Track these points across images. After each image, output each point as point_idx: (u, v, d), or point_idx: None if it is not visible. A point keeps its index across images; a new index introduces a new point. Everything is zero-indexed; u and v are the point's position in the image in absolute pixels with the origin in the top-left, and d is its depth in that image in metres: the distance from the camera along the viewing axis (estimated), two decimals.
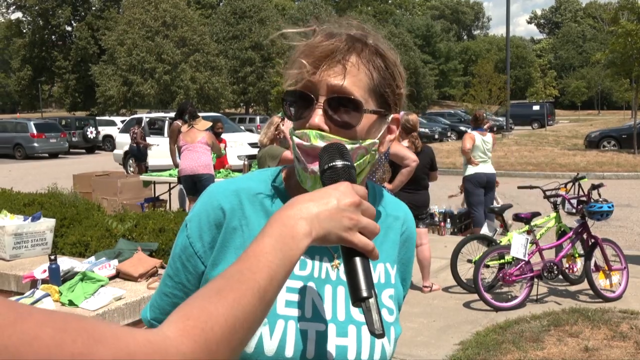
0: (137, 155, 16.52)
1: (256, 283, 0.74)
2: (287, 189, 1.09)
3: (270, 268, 0.76)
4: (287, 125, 5.37)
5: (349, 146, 0.98)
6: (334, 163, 0.91)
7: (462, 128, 33.96)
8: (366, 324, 0.80)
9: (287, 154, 5.27)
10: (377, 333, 0.80)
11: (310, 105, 0.99)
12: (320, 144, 0.97)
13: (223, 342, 0.68)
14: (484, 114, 7.92)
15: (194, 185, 7.73)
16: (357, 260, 0.83)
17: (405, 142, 5.85)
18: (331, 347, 1.01)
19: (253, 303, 0.72)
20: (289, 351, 0.98)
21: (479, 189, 7.56)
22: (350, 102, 0.98)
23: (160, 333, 0.65)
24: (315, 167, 0.97)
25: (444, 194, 10.39)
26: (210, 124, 8.19)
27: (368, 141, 1.01)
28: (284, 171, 1.13)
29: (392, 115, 1.05)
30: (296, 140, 1.00)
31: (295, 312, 1.01)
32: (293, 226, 0.80)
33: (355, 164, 0.99)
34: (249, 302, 0.72)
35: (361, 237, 0.83)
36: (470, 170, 7.57)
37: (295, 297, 1.02)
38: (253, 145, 15.84)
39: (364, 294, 0.81)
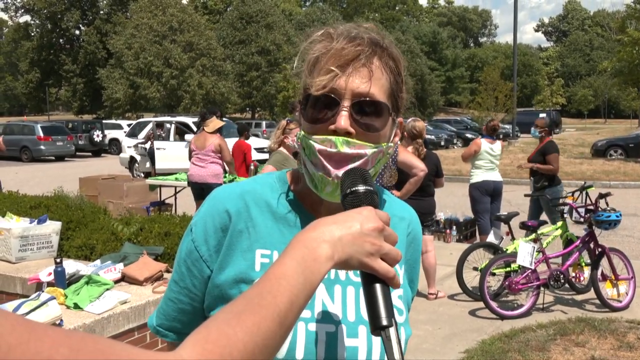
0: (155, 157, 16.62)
1: (276, 307, 0.72)
2: (294, 191, 1.09)
3: (291, 292, 0.74)
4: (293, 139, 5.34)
5: (370, 150, 0.98)
6: (356, 188, 0.89)
7: (469, 135, 33.92)
8: (385, 353, 0.77)
9: (269, 168, 5.11)
10: None
11: (334, 109, 0.98)
12: (347, 150, 0.96)
13: None
14: (499, 124, 7.94)
15: (201, 191, 7.74)
16: (378, 287, 0.80)
17: (410, 149, 5.83)
18: (342, 349, 1.00)
19: (273, 328, 0.71)
20: (300, 353, 0.97)
21: (485, 196, 7.50)
22: (377, 105, 0.98)
23: (178, 356, 0.64)
24: (340, 172, 0.96)
25: (450, 201, 10.37)
26: (223, 123, 8.09)
27: (385, 144, 1.02)
28: (289, 174, 1.13)
29: (398, 119, 1.06)
30: (317, 146, 0.98)
31: (305, 313, 1.00)
32: (315, 249, 0.78)
33: (373, 168, 1.00)
34: (269, 328, 0.70)
35: (382, 263, 0.81)
36: (478, 177, 7.50)
37: None
38: (259, 150, 15.87)
39: (384, 322, 0.78)
